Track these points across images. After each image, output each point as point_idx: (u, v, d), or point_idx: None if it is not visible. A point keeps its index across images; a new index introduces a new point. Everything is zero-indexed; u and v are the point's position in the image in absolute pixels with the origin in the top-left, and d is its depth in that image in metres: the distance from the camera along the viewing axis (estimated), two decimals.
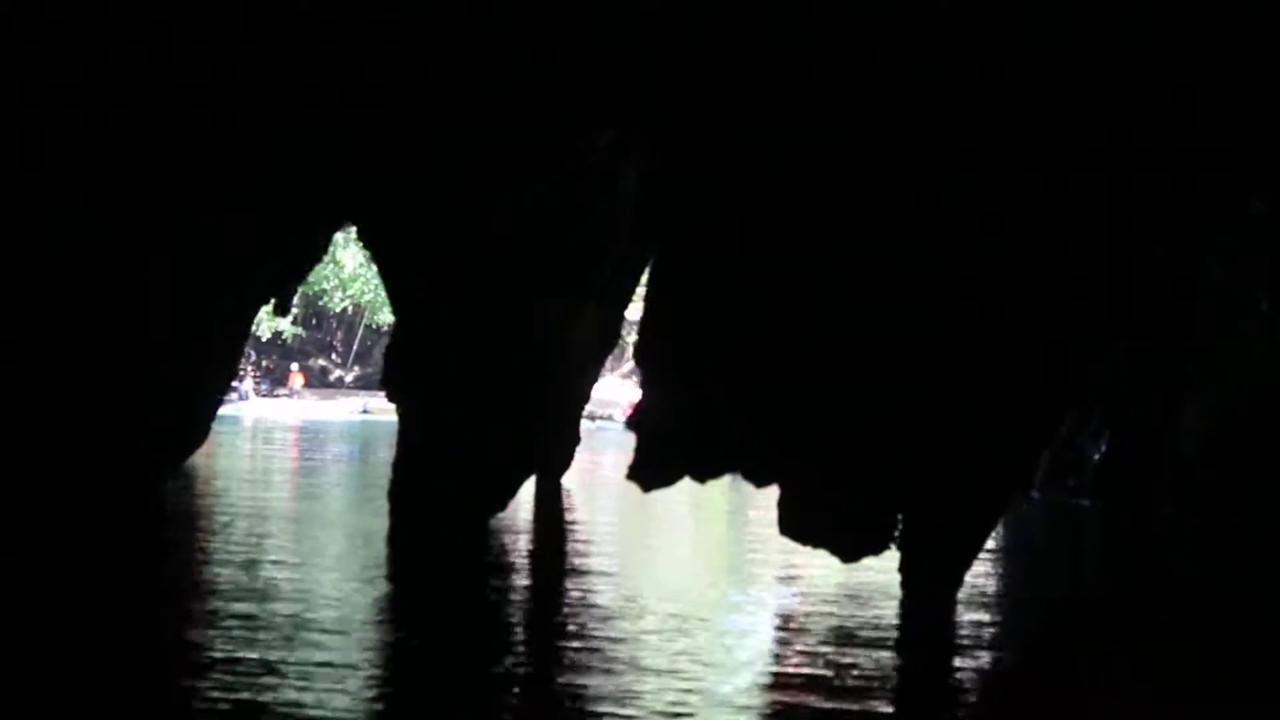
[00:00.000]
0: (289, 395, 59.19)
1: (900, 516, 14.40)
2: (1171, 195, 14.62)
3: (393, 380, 18.62)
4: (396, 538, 18.13)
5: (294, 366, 62.42)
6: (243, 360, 63.12)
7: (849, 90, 13.65)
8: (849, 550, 14.54)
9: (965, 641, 13.43)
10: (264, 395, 58.23)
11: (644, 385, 14.35)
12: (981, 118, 13.70)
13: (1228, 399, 24.91)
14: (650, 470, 14.25)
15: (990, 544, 21.98)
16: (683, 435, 13.97)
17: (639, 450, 14.32)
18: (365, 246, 20.17)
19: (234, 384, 59.53)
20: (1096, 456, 27.24)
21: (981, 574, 17.20)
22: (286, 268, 22.01)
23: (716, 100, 13.76)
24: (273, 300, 27.27)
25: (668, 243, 14.03)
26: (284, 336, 63.05)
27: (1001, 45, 13.68)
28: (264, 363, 63.57)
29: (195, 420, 21.90)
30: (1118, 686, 12.37)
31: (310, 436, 42.92)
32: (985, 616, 14.58)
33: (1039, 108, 13.60)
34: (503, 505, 19.00)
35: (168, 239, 18.89)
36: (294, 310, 59.77)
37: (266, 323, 57.65)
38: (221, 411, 51.67)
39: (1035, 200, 13.58)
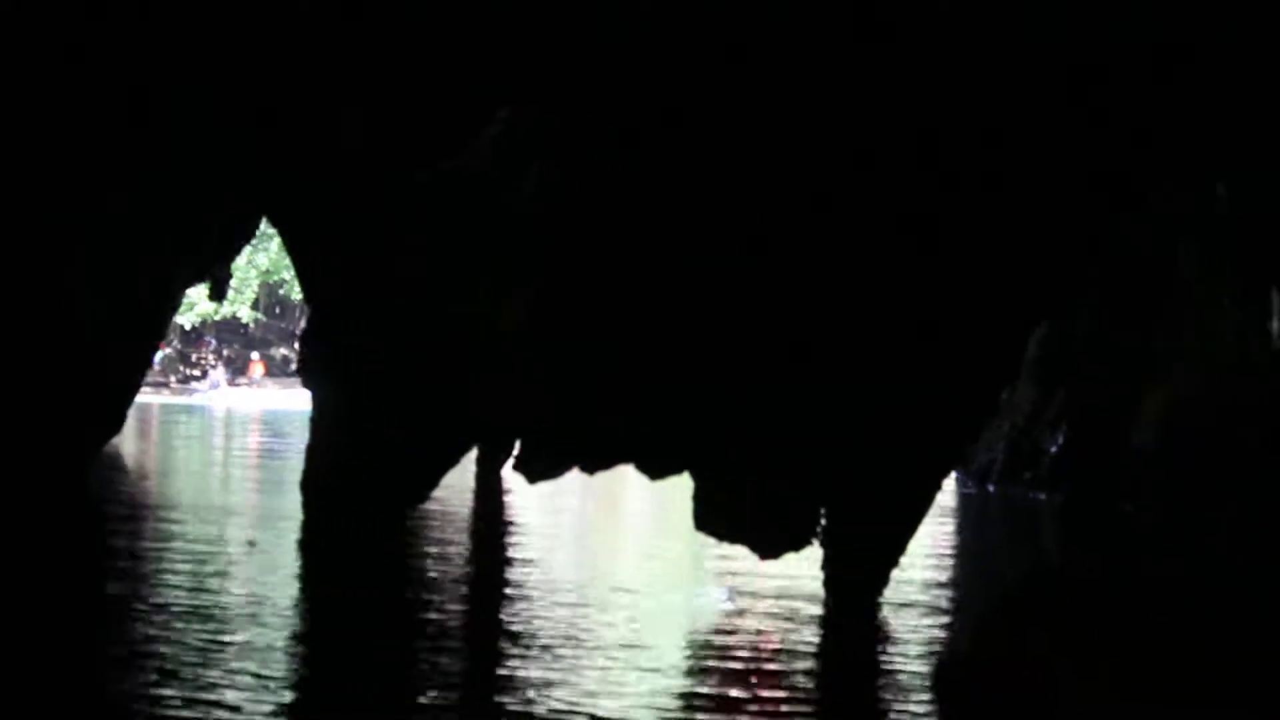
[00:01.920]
0: (249, 384, 58.45)
1: (823, 509, 13.63)
2: (1122, 173, 13.94)
3: (307, 366, 17.86)
4: (310, 532, 17.38)
5: (255, 356, 61.65)
6: (206, 350, 62.43)
7: (775, 65, 12.88)
8: (769, 546, 13.76)
9: (904, 646, 12.60)
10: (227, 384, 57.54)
11: (528, 371, 13.50)
12: (917, 92, 12.96)
13: (1189, 390, 24.27)
14: (535, 461, 13.44)
15: (943, 540, 21.43)
16: (570, 423, 13.13)
17: (523, 439, 13.51)
18: (274, 224, 19.41)
19: (205, 373, 59.03)
20: (1054, 449, 26.58)
21: (927, 571, 16.57)
22: (210, 250, 21.20)
23: (623, 80, 12.97)
24: (206, 284, 26.66)
25: (561, 218, 13.21)
26: (245, 324, 62.22)
27: (948, 20, 12.95)
28: (225, 351, 62.82)
29: (113, 403, 21.10)
30: (1073, 688, 11.71)
31: (271, 426, 42.16)
32: (928, 619, 13.81)
33: (975, 77, 12.86)
34: (422, 498, 18.17)
35: (79, 217, 18.17)
36: (254, 296, 58.98)
37: (228, 307, 56.83)
38: (192, 401, 51.54)
39: (964, 176, 12.82)
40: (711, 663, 11.60)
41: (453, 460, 18.15)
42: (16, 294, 18.02)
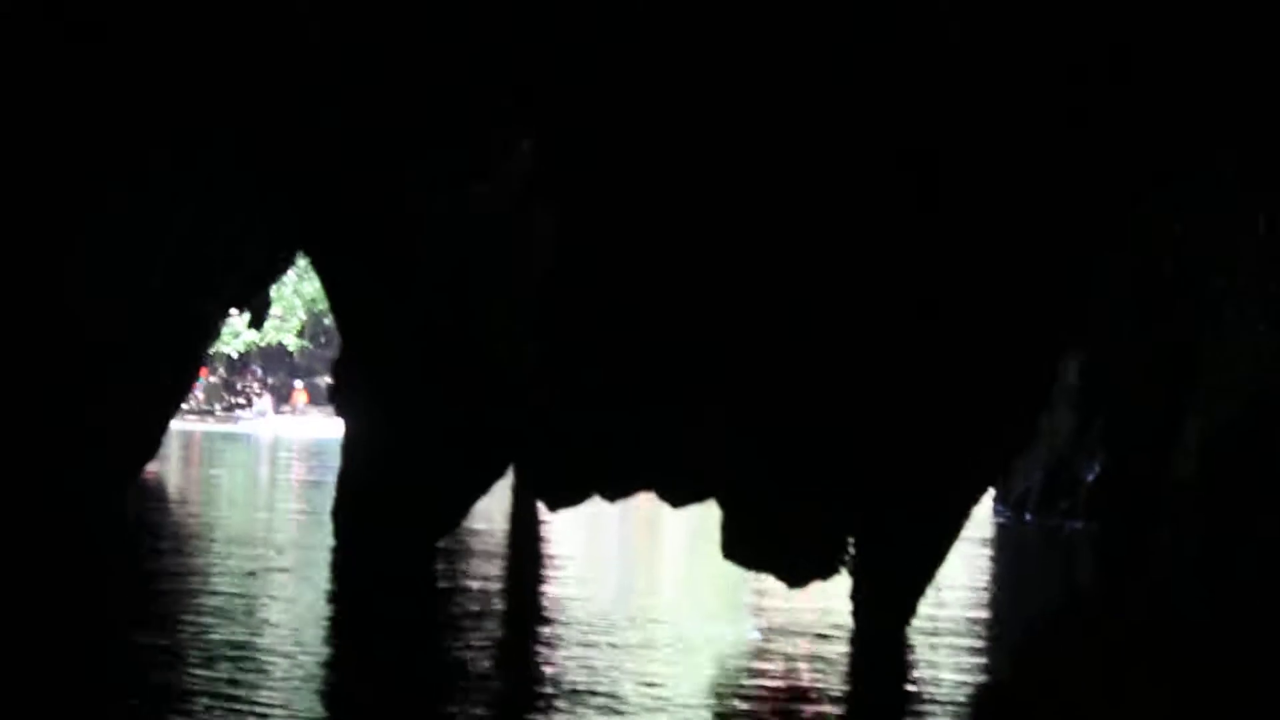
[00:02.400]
0: (292, 412, 58.53)
1: (851, 538, 13.57)
2: (1142, 192, 13.87)
3: (340, 394, 17.91)
4: (341, 562, 17.36)
5: (298, 384, 61.67)
6: (251, 378, 62.55)
7: (784, 78, 12.80)
8: (796, 574, 13.70)
9: (935, 689, 12.42)
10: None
11: (541, 395, 13.45)
12: (931, 101, 12.87)
13: (1228, 416, 24.04)
14: (554, 488, 13.37)
15: (978, 573, 21.28)
16: (589, 448, 13.07)
17: (541, 467, 13.44)
18: (308, 253, 19.49)
19: (250, 401, 59.12)
20: (1090, 477, 26.40)
21: (960, 607, 16.47)
22: (245, 279, 21.35)
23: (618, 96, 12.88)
24: (246, 313, 26.82)
25: (569, 240, 13.15)
26: (290, 352, 62.26)
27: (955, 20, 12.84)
28: (270, 380, 62.93)
29: (145, 431, 21.28)
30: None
31: (316, 455, 41.93)
32: (960, 658, 13.69)
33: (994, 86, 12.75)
34: (453, 526, 18.12)
35: (95, 240, 18.32)
36: (300, 324, 59.02)
37: (274, 335, 56.78)
38: (238, 429, 51.53)
39: (992, 195, 12.73)
40: (737, 706, 11.45)
41: (483, 488, 18.10)
42: (19, 311, 18.00)
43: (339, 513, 17.72)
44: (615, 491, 13.52)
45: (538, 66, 13.55)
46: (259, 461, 39.54)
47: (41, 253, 17.56)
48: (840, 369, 13.10)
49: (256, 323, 27.11)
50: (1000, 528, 27.61)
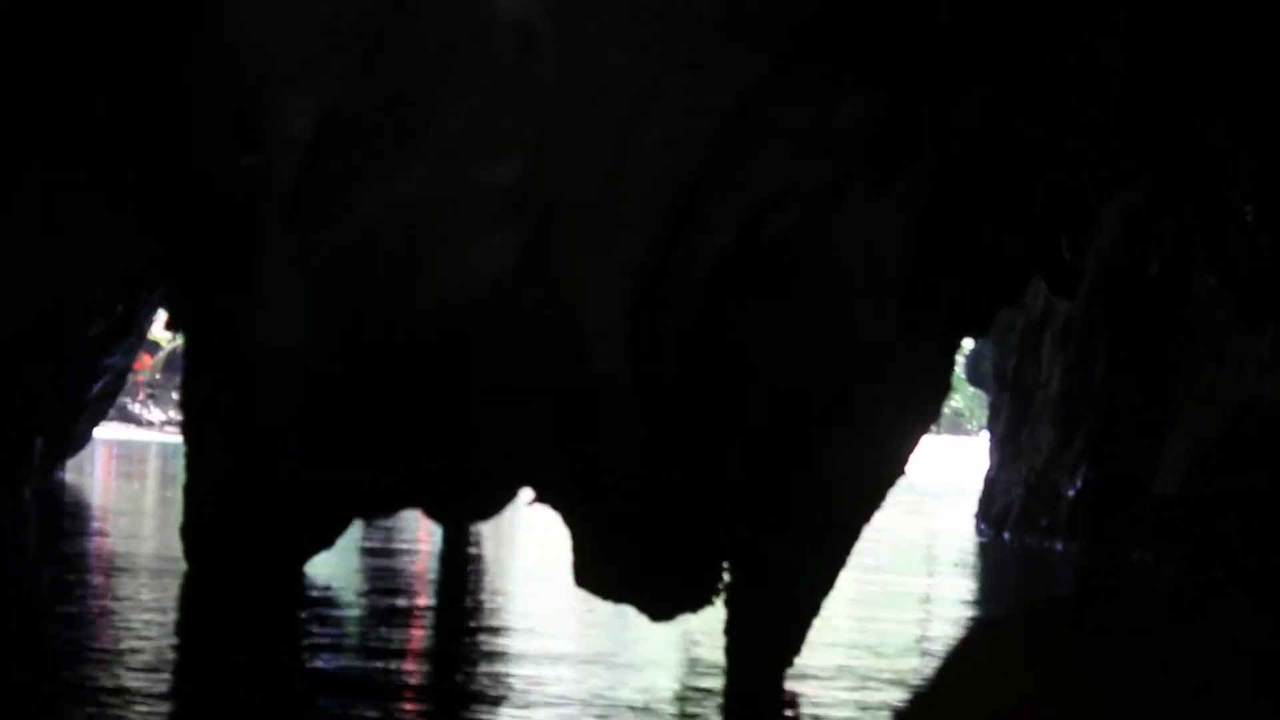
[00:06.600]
0: None
1: (725, 563, 11.58)
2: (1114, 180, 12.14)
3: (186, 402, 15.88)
4: (194, 595, 15.40)
5: None
6: None
7: None
8: (659, 606, 11.70)
9: None
10: None
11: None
12: None
13: (1216, 428, 22.07)
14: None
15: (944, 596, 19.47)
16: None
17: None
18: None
19: None
20: (1071, 493, 24.38)
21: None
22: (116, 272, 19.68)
23: None
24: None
25: None
26: None
27: None
28: None
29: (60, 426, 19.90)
30: None
31: None
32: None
33: None
34: (325, 545, 15.96)
35: None
36: None
37: None
38: None
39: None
40: None
41: (363, 500, 15.93)
42: None
43: (190, 531, 15.66)
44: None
45: None
46: None
47: None
48: (713, 353, 11.07)
49: (172, 325, 25.20)
50: (980, 546, 25.94)
